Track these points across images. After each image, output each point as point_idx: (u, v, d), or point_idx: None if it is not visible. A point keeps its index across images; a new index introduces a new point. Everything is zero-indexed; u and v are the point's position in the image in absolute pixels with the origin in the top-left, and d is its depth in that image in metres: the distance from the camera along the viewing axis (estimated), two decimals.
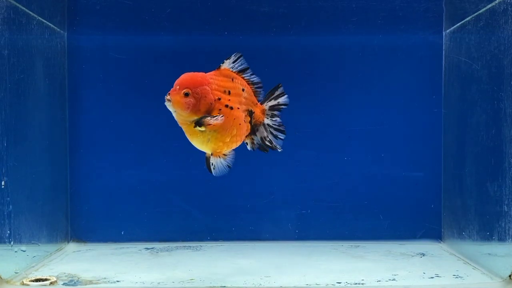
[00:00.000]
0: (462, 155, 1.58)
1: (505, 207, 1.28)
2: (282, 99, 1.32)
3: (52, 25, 1.60)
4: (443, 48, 1.72)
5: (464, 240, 1.55)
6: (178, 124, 1.20)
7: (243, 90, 1.24)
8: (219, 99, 1.19)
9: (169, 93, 1.16)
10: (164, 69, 1.71)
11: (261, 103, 1.30)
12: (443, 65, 1.73)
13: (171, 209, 1.73)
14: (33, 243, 1.45)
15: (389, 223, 1.75)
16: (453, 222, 1.65)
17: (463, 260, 1.52)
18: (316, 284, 1.27)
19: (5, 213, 1.29)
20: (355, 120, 1.74)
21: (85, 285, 1.27)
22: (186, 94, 1.16)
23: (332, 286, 1.26)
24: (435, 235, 1.74)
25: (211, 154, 1.23)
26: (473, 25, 1.51)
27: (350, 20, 1.72)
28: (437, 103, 1.73)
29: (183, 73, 1.19)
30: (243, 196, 1.75)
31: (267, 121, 1.31)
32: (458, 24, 1.62)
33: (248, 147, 1.31)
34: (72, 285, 1.27)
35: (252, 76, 1.27)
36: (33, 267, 1.42)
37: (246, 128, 1.25)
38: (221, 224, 1.74)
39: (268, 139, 1.30)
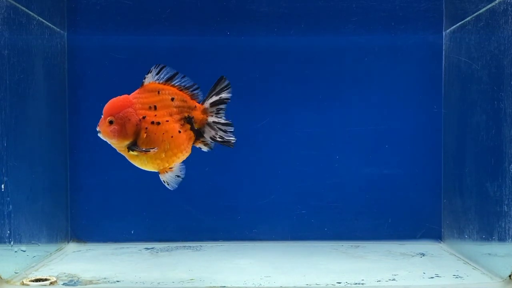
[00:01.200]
0: (462, 155, 1.58)
1: (505, 207, 1.28)
2: (224, 94, 1.25)
3: (52, 25, 1.60)
4: (443, 48, 1.72)
5: (464, 240, 1.54)
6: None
7: (172, 99, 1.20)
8: (144, 117, 1.17)
9: (98, 125, 1.16)
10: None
11: (202, 103, 1.24)
12: (443, 65, 1.73)
13: (171, 209, 1.73)
14: (33, 243, 1.45)
15: (389, 223, 1.75)
16: (453, 222, 1.65)
17: (463, 260, 1.52)
18: (316, 284, 1.27)
19: (5, 213, 1.29)
20: (355, 120, 1.74)
21: (85, 285, 1.27)
22: (111, 122, 1.16)
23: (332, 286, 1.26)
24: (435, 235, 1.74)
25: (159, 173, 1.23)
26: (473, 25, 1.51)
27: (350, 20, 1.72)
28: (437, 103, 1.73)
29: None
30: (243, 196, 1.74)
31: (211, 119, 1.25)
32: (458, 24, 1.62)
33: (205, 150, 1.27)
34: (72, 285, 1.27)
35: (184, 80, 1.22)
36: (33, 267, 1.41)
37: (186, 136, 1.22)
38: (221, 224, 1.74)
39: (218, 135, 1.25)
